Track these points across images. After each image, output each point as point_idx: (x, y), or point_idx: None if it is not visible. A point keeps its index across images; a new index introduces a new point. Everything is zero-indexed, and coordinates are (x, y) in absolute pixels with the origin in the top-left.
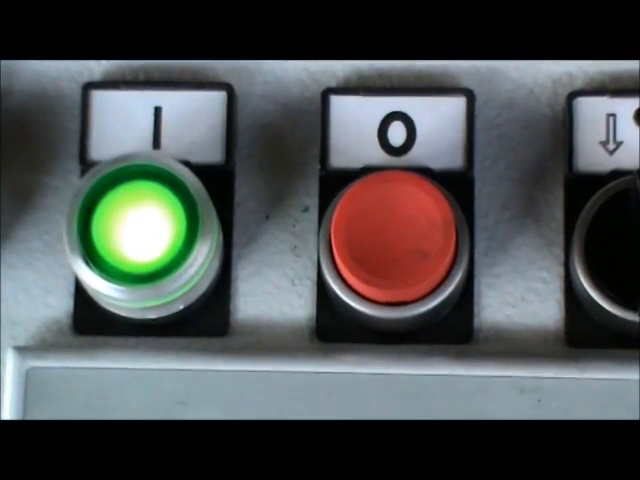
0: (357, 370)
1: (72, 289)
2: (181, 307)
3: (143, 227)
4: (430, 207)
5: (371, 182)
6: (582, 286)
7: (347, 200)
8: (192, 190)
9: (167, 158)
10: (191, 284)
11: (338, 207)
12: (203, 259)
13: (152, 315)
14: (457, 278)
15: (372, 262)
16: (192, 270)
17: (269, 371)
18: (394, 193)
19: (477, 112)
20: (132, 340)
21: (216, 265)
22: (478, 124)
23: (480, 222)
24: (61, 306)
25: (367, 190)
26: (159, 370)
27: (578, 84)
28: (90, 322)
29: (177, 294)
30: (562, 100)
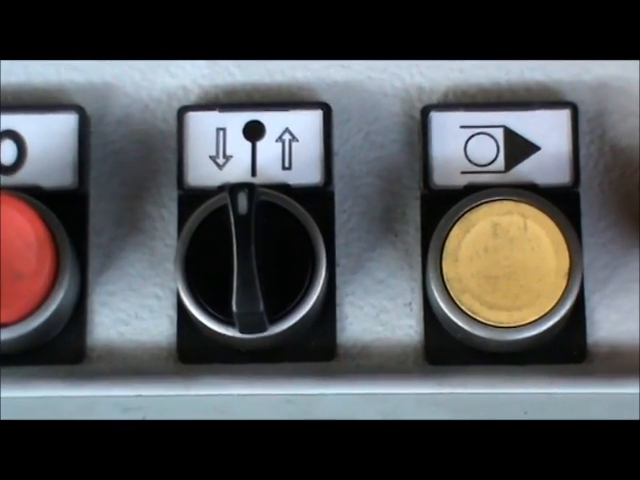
0: None
1: None
2: None
3: None
4: (24, 227)
5: None
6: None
7: None
8: None
9: None
10: None
11: None
12: None
13: None
14: (59, 297)
15: None
16: None
17: None
18: None
19: (93, 129)
20: None
21: None
22: (93, 140)
23: (95, 240)
24: None
25: None
26: None
27: (192, 98)
28: None
29: None
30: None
